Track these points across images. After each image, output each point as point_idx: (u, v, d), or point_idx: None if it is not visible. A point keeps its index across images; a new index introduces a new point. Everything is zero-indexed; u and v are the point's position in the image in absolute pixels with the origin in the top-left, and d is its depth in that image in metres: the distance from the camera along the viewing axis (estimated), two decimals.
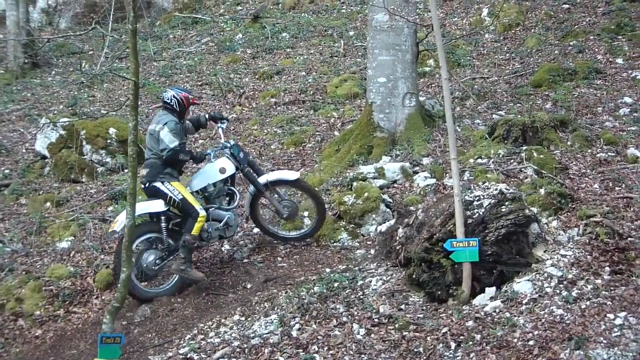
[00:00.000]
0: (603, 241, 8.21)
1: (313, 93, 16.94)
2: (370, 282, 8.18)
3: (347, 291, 8.05)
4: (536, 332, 6.66)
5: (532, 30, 18.80)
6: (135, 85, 8.16)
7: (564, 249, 7.88)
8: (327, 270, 9.10)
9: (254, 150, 14.17)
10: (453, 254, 7.59)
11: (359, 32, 20.30)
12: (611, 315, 6.69)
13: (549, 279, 7.35)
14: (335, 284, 8.21)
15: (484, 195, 8.16)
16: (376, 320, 7.41)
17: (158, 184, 9.76)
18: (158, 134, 9.67)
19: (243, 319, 8.18)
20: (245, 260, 10.49)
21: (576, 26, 18.37)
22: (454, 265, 7.66)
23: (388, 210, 10.78)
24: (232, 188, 10.35)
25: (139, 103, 12.00)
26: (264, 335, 7.56)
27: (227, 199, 10.32)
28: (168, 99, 9.95)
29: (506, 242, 7.78)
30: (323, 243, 10.64)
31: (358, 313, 7.60)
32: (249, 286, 9.51)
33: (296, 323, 7.65)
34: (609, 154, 11.61)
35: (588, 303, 6.94)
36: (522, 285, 7.39)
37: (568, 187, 10.41)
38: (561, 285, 7.24)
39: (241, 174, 10.43)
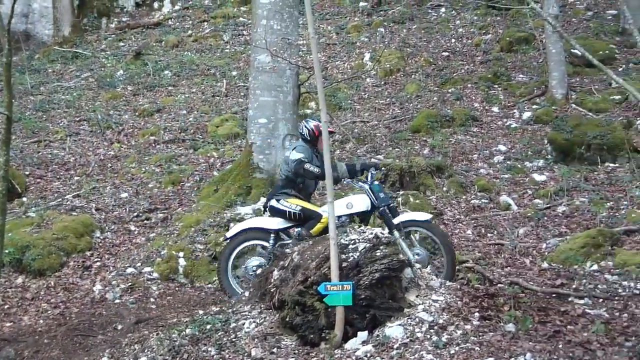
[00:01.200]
0: (474, 287, 8.35)
1: (193, 132, 16.82)
2: (244, 324, 8.06)
3: (219, 333, 7.91)
4: None
5: (413, 76, 19.16)
6: (8, 120, 7.91)
7: (435, 294, 7.94)
8: (201, 312, 8.96)
9: (131, 189, 13.94)
10: (327, 297, 7.55)
11: (241, 72, 20.30)
12: None
13: (420, 324, 7.39)
14: (208, 326, 8.06)
15: (359, 239, 8.16)
16: None
17: (274, 203, 10.02)
18: (287, 157, 10.09)
19: None
20: (117, 301, 10.26)
21: (455, 74, 18.84)
22: (328, 309, 7.61)
23: (264, 252, 10.72)
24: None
25: (13, 137, 11.65)
26: None
27: None
28: (300, 129, 10.29)
29: (380, 287, 7.78)
30: (197, 284, 10.51)
31: (230, 356, 7.48)
32: (119, 327, 9.27)
33: None
34: (483, 200, 11.89)
35: (457, 348, 6.99)
36: (393, 330, 7.40)
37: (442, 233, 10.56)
38: (432, 330, 7.28)
39: (377, 214, 9.90)
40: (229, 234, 10.10)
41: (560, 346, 6.96)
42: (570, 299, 8.65)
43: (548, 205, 11.63)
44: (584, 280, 9.04)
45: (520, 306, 7.68)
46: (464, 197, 12.01)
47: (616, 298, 8.62)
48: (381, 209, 9.65)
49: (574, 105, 16.16)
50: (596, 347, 6.98)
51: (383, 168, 11.36)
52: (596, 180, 12.56)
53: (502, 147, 14.31)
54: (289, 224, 9.96)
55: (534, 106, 16.34)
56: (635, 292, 8.67)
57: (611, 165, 13.11)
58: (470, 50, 20.62)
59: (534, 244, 10.38)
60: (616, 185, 12.20)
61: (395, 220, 9.55)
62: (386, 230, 9.17)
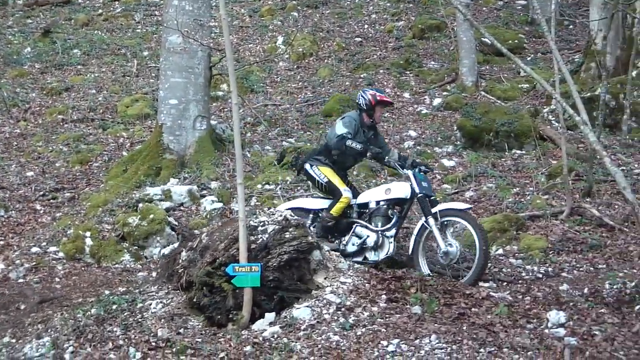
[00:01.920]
0: (382, 270, 8.42)
1: (103, 112, 16.53)
2: (150, 305, 7.98)
3: (125, 314, 7.81)
4: (312, 358, 6.69)
5: (325, 60, 19.18)
6: None
7: (344, 276, 7.99)
8: (107, 292, 8.82)
9: (37, 168, 13.66)
10: (235, 278, 7.53)
11: (153, 53, 20.00)
12: (385, 342, 6.83)
13: (328, 306, 7.43)
14: (114, 307, 7.96)
15: (268, 221, 8.15)
16: (153, 343, 7.23)
17: (307, 166, 9.91)
18: (333, 128, 9.93)
19: (14, 341, 7.78)
20: (21, 280, 10.05)
21: (367, 59, 18.93)
22: (235, 290, 7.58)
23: (173, 233, 10.65)
24: (395, 213, 9.53)
25: None
26: (35, 359, 7.24)
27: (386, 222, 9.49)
28: (357, 99, 10.01)
29: (288, 268, 7.79)
30: (104, 264, 10.37)
31: (135, 336, 7.38)
32: (22, 307, 9.06)
33: (70, 346, 7.33)
34: None
35: (364, 330, 7.06)
36: (301, 311, 7.42)
37: None
38: (339, 312, 7.33)
39: (417, 200, 9.41)
40: None
41: (465, 328, 7.08)
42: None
43: (456, 191, 11.79)
44: (490, 264, 9.18)
45: (427, 289, 7.77)
46: (373, 181, 12.09)
47: (520, 281, 8.82)
48: (420, 195, 9.29)
49: (483, 93, 16.43)
50: (499, 329, 7.11)
51: (433, 170, 11.15)
52: (503, 167, 12.79)
53: (413, 133, 14.45)
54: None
55: (445, 93, 16.56)
56: (538, 276, 8.88)
57: (518, 152, 13.36)
58: (382, 37, 20.75)
59: None
60: (522, 171, 12.44)
61: (433, 209, 9.24)
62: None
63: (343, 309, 7.37)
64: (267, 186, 11.81)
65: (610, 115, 13.91)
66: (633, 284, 7.70)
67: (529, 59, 18.14)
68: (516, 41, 18.99)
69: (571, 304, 7.61)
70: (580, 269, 9.07)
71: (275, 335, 7.13)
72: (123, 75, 18.91)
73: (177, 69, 12.87)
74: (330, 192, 9.74)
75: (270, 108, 16.22)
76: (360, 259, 9.37)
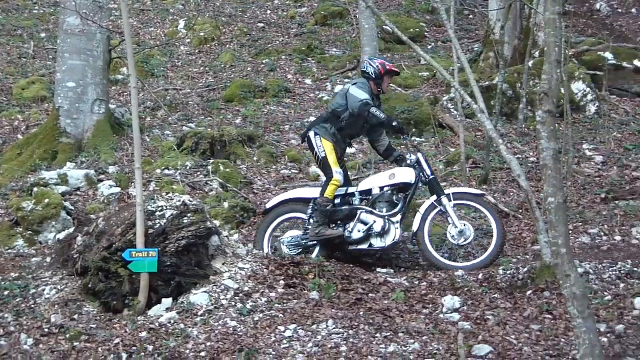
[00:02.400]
0: (280, 255, 8.42)
1: None
2: (44, 290, 7.82)
3: (17, 300, 7.65)
4: (208, 344, 6.68)
5: (227, 45, 19.05)
6: None
7: (242, 262, 7.97)
8: None
9: None
10: (131, 263, 7.45)
11: (50, 35, 19.51)
12: (282, 328, 6.86)
13: (226, 291, 7.41)
14: (5, 292, 7.78)
15: (167, 206, 8.08)
16: (46, 330, 7.09)
17: (311, 134, 9.54)
18: (346, 91, 9.44)
19: None
20: None
21: (269, 45, 18.86)
22: (132, 275, 7.51)
23: (69, 217, 10.41)
24: (399, 199, 9.33)
25: None
26: None
27: (390, 208, 9.30)
28: (364, 67, 9.72)
29: (186, 254, 7.76)
30: None
31: (27, 322, 7.24)
32: None
33: None
34: (292, 170, 11.99)
35: (261, 315, 7.07)
36: (198, 297, 7.39)
37: (251, 202, 10.62)
38: (237, 297, 7.32)
39: (426, 182, 9.32)
40: (268, 205, 9.61)
41: (362, 313, 7.16)
42: (373, 268, 8.88)
43: (356, 177, 11.83)
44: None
45: (325, 274, 7.83)
46: (274, 166, 12.09)
47: (416, 267, 8.93)
48: (431, 177, 9.27)
49: None
50: (395, 314, 7.22)
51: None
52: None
53: (313, 119, 14.45)
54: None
55: (346, 80, 16.60)
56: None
57: (417, 139, 13.51)
58: (285, 22, 20.72)
59: None
60: None
61: (446, 191, 9.28)
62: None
63: (241, 295, 7.37)
64: (166, 171, 11.65)
65: (507, 104, 14.18)
66: (525, 269, 7.88)
67: (429, 47, 18.36)
68: (417, 29, 19.17)
69: (466, 289, 7.76)
70: (476, 255, 9.22)
71: (172, 321, 7.09)
72: (19, 56, 18.37)
73: (75, 51, 12.58)
74: (323, 168, 9.54)
75: (170, 92, 16.02)
76: (365, 246, 9.25)
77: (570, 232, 9.43)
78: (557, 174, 5.64)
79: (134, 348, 6.72)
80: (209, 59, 18.31)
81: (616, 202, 10.50)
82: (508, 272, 7.96)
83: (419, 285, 8.00)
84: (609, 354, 6.24)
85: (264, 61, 17.75)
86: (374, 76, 9.55)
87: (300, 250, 9.25)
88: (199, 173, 11.60)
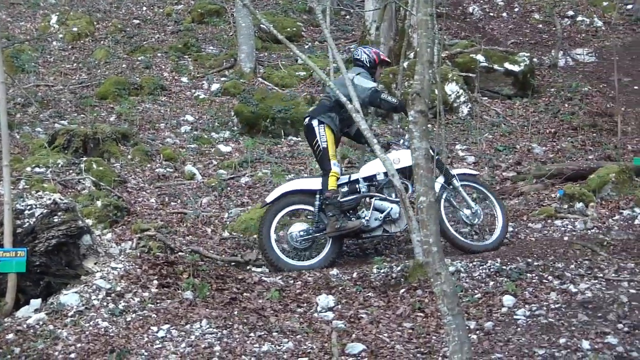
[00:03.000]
0: (154, 255, 8.30)
1: None
2: None
3: None
4: (79, 345, 6.51)
5: (102, 42, 18.65)
6: None
7: (115, 261, 7.80)
8: None
9: None
10: None
11: None
12: (155, 328, 6.75)
13: (97, 291, 7.23)
14: None
15: (36, 205, 7.85)
16: None
17: (315, 123, 9.23)
18: (351, 80, 8.99)
19: None
20: None
21: (145, 42, 18.61)
22: None
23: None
24: (406, 182, 8.85)
25: None
26: None
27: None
28: (358, 55, 9.64)
29: (56, 253, 7.55)
30: None
31: None
32: None
33: None
34: (168, 169, 11.86)
35: (134, 315, 6.94)
36: (68, 297, 7.19)
37: (125, 201, 10.44)
38: (109, 298, 7.16)
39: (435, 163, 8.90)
40: (268, 199, 9.21)
41: (236, 312, 7.11)
42: (248, 268, 8.85)
43: (232, 176, 11.80)
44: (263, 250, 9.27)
45: (199, 274, 7.74)
46: (149, 165, 11.91)
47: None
48: (437, 158, 8.99)
49: (261, 79, 16.53)
50: (270, 313, 7.21)
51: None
52: (279, 153, 12.93)
53: (190, 118, 14.34)
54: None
55: (223, 78, 16.52)
56: None
57: (294, 138, 13.55)
58: (161, 19, 20.48)
59: (216, 214, 10.49)
60: (298, 158, 12.64)
61: (452, 172, 9.28)
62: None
63: (113, 295, 7.21)
64: (37, 169, 11.32)
65: None
66: (399, 268, 7.98)
67: (306, 47, 18.41)
68: (294, 29, 19.22)
69: (340, 288, 7.81)
70: (351, 254, 9.31)
71: (41, 322, 6.88)
72: None
73: None
74: (321, 160, 9.26)
75: (42, 89, 15.59)
76: (379, 232, 9.17)
77: None
78: (428, 174, 5.72)
79: (1, 350, 6.51)
80: (83, 55, 17.90)
81: None
82: (382, 271, 8.05)
83: (294, 285, 8.01)
84: (478, 350, 6.38)
85: (139, 58, 17.47)
86: (368, 65, 9.54)
87: (311, 243, 9.17)
88: (71, 171, 11.32)
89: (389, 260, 8.57)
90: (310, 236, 9.13)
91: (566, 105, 14.89)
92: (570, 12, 21.25)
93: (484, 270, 7.87)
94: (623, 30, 20.54)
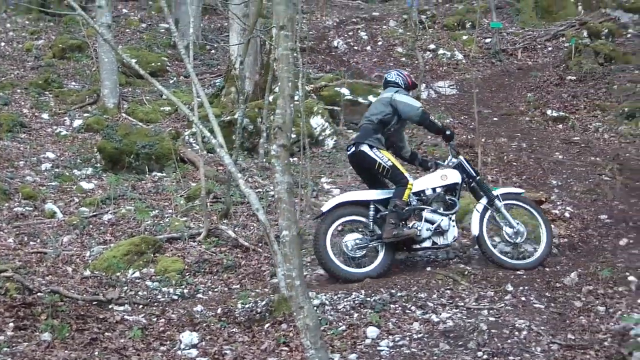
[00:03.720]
0: (11, 297, 7.99)
1: None
2: None
3: None
4: None
5: None
6: None
7: None
8: None
9: None
10: None
11: None
12: None
13: None
14: None
15: None
16: None
17: (365, 148, 9.47)
18: (390, 99, 9.56)
19: None
20: None
21: (4, 78, 18.12)
22: None
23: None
24: (454, 198, 9.64)
25: None
26: None
27: (446, 207, 9.63)
28: (392, 78, 9.99)
29: None
30: None
31: None
32: None
33: None
34: (27, 208, 11.49)
35: None
36: None
37: None
38: None
39: (467, 187, 9.87)
40: (324, 208, 9.40)
41: (97, 353, 6.89)
42: (110, 306, 8.62)
43: (94, 214, 11.50)
44: (126, 288, 9.06)
45: (59, 315, 7.48)
46: (6, 204, 11.50)
47: (155, 304, 8.73)
48: (478, 178, 9.82)
49: (125, 115, 16.30)
50: (132, 352, 7.01)
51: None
52: (143, 189, 12.70)
53: (51, 155, 13.98)
54: (388, 195, 9.45)
55: (86, 114, 16.22)
56: (174, 298, 8.85)
57: (158, 174, 13.37)
58: (20, 55, 20.02)
59: (78, 252, 10.18)
60: (162, 193, 12.43)
61: (494, 192, 9.72)
62: None
63: None
64: None
65: (249, 139, 14.36)
66: (264, 302, 7.91)
67: (171, 81, 18.32)
68: (159, 64, 19.11)
69: (204, 324, 7.67)
70: (216, 289, 9.17)
71: None
72: None
73: None
74: (393, 177, 9.50)
75: None
76: (429, 244, 9.50)
77: (308, 264, 9.66)
78: (291, 207, 5.71)
79: None
80: None
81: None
82: (247, 305, 7.96)
83: (157, 322, 7.83)
84: None
85: None
86: (404, 87, 9.91)
87: (365, 252, 9.41)
88: None
89: (254, 295, 8.49)
90: (365, 245, 9.42)
91: (429, 137, 15.16)
92: (432, 46, 21.85)
93: (348, 303, 7.89)
94: (482, 63, 21.26)
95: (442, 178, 9.75)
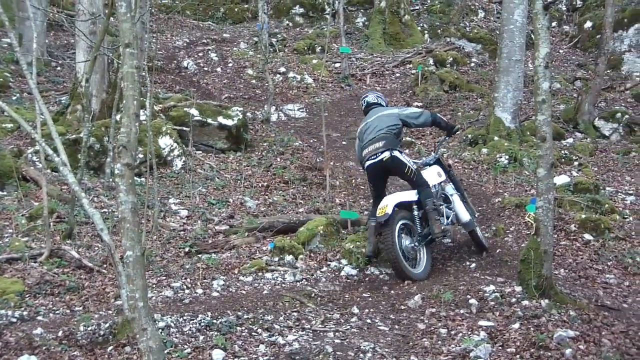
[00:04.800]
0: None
1: None
2: None
3: None
4: None
5: None
6: None
7: None
8: None
9: None
10: None
11: None
12: None
13: None
14: None
15: None
16: None
17: (398, 154, 10.51)
18: (397, 115, 10.86)
19: None
20: None
21: None
22: None
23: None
24: (444, 192, 10.96)
25: None
26: None
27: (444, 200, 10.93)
28: (374, 100, 11.46)
29: None
30: None
31: None
32: None
33: None
34: None
35: None
36: None
37: None
38: None
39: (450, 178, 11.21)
40: (388, 210, 10.03)
41: None
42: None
43: None
44: None
45: None
46: None
47: None
48: (450, 171, 11.30)
49: None
50: None
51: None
52: None
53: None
54: (414, 197, 10.44)
55: None
56: (12, 321, 8.53)
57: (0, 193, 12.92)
58: None
59: None
60: (3, 213, 11.99)
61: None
62: None
63: None
64: None
65: (95, 158, 14.06)
66: (107, 324, 7.74)
67: (14, 98, 17.73)
68: (1, 79, 18.48)
69: (44, 347, 7.44)
70: (57, 311, 8.90)
71: None
72: None
73: None
74: (418, 179, 10.50)
75: None
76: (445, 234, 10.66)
77: (154, 285, 9.52)
78: (135, 228, 5.63)
79: None
80: None
81: (199, 255, 10.74)
82: (89, 328, 7.77)
83: None
84: None
85: None
86: (385, 104, 11.49)
87: (416, 252, 10.34)
88: None
89: (97, 317, 8.29)
90: (416, 245, 10.30)
91: (278, 159, 15.25)
92: (282, 69, 22.00)
93: (194, 325, 7.81)
94: (332, 87, 21.54)
95: (439, 175, 11.00)
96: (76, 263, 10.11)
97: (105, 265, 10.10)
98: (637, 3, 23.80)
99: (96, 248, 10.80)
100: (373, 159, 10.51)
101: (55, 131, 8.70)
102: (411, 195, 10.48)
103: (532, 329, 7.41)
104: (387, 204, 10.12)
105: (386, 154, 10.42)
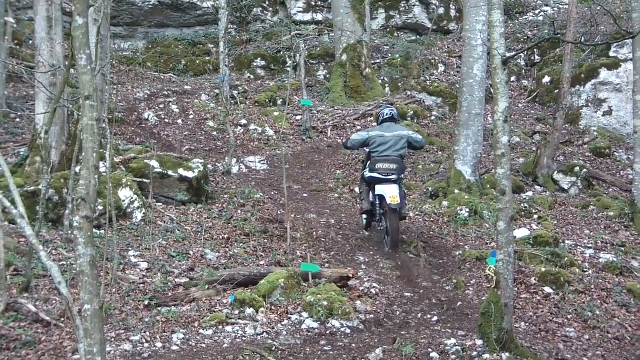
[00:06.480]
0: None
1: None
2: None
3: None
4: None
5: None
6: None
7: None
8: None
9: None
10: None
11: None
12: None
13: None
14: None
15: None
16: None
17: (400, 183, 13.73)
18: (407, 137, 13.77)
19: None
20: None
21: None
22: None
23: None
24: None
25: None
26: None
27: None
28: (388, 115, 14.01)
29: None
30: None
31: None
32: None
33: None
34: None
35: None
36: None
37: None
38: None
39: None
40: (397, 203, 13.49)
41: None
42: None
43: None
44: None
45: None
46: None
47: None
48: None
49: None
50: None
51: None
52: None
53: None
54: None
55: None
56: None
57: None
58: None
59: None
60: None
61: None
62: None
63: None
64: None
65: (54, 210, 13.90)
66: None
67: None
68: None
69: None
70: None
71: None
72: None
73: None
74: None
75: None
76: None
77: (112, 339, 9.38)
78: (93, 280, 5.55)
79: None
80: None
81: (159, 308, 10.62)
82: None
83: None
84: None
85: None
86: (398, 118, 14.36)
87: None
88: None
89: None
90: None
91: (239, 211, 15.19)
92: (243, 121, 22.02)
93: None
94: (293, 139, 21.58)
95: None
96: (33, 317, 9.95)
97: (62, 319, 9.94)
98: (594, 59, 24.24)
99: (54, 301, 10.64)
100: (385, 175, 13.48)
101: (13, 183, 8.61)
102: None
103: None
104: (394, 194, 13.14)
105: (396, 176, 13.63)
